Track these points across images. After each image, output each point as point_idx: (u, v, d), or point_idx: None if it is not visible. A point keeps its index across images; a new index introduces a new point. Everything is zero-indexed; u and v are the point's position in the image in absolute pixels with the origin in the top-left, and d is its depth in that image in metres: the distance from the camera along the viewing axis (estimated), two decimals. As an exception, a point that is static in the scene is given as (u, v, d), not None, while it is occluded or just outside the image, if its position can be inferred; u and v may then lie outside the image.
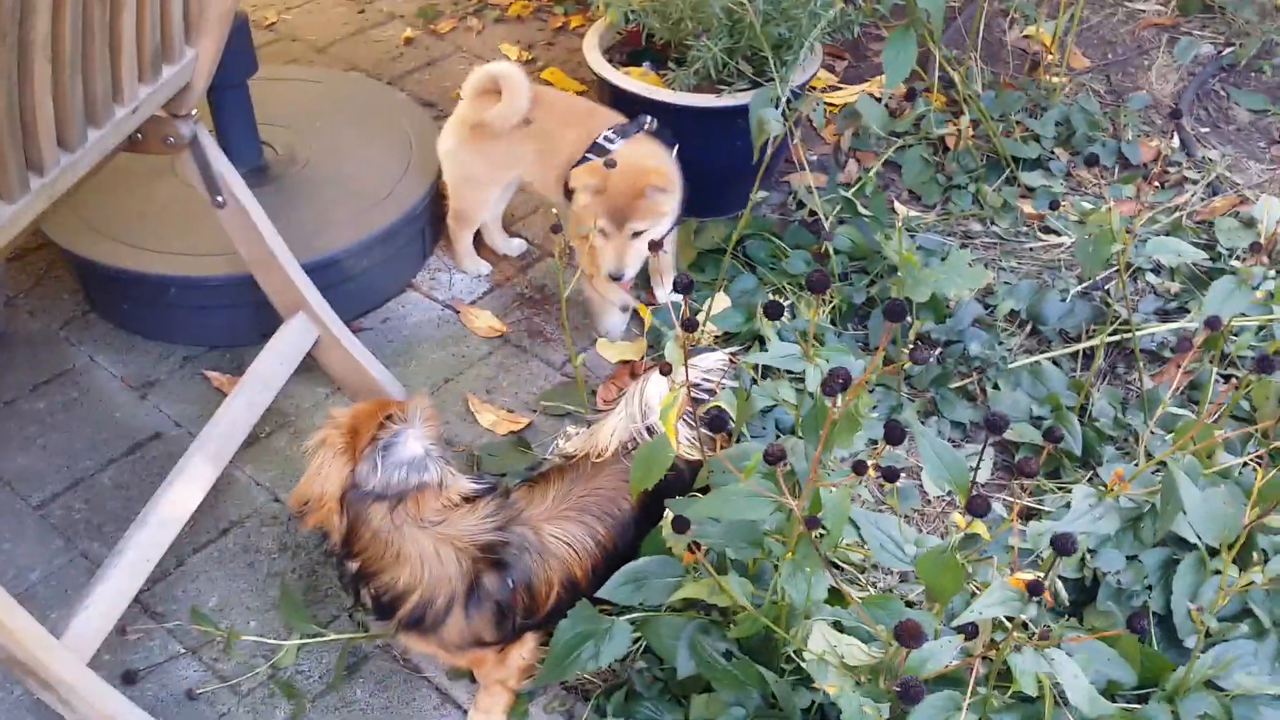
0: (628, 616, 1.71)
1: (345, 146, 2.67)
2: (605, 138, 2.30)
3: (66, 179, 1.59)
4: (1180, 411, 2.11)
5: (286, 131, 2.69)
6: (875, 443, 2.13)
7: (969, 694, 1.39)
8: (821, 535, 1.36)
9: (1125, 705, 1.66)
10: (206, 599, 1.96)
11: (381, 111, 2.80)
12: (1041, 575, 1.16)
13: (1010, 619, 1.32)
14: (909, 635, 1.11)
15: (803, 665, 1.65)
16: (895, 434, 1.18)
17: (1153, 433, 2.13)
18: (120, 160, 1.95)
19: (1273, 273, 2.51)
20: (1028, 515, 2.07)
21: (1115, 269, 2.57)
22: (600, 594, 1.67)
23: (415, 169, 2.61)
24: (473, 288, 2.63)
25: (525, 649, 1.75)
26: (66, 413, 2.28)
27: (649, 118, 2.34)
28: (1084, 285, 2.57)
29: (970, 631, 1.25)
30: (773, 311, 1.31)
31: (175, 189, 2.51)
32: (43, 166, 1.52)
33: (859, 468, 1.26)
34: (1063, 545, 1.11)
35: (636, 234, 2.19)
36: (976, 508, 1.15)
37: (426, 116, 2.80)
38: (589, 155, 2.28)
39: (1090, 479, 2.13)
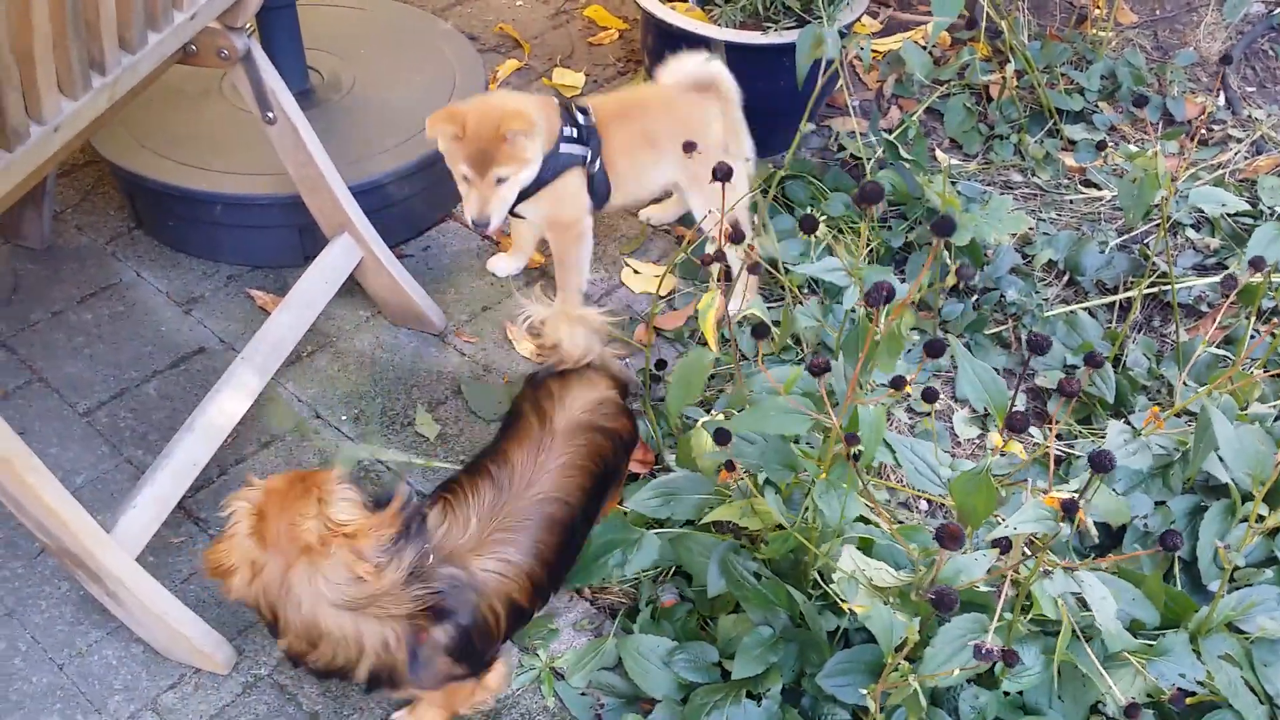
0: (658, 531, 1.75)
1: (389, 74, 2.69)
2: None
3: (126, 81, 1.61)
4: (1220, 352, 2.12)
5: (331, 57, 2.70)
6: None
7: (995, 618, 1.42)
8: (858, 454, 1.38)
9: (1148, 642, 1.69)
10: (247, 507, 2.01)
11: (425, 40, 2.81)
12: (1075, 494, 1.18)
13: (1040, 543, 1.35)
14: (950, 538, 1.13)
15: (829, 591, 1.68)
16: (936, 349, 1.19)
17: (1185, 384, 2.14)
18: (170, 79, 1.98)
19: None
20: (1057, 461, 2.08)
21: (1155, 223, 2.57)
22: (630, 504, 1.69)
23: (459, 98, 2.62)
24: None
25: (497, 673, 1.68)
26: (113, 325, 2.33)
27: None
28: (1123, 237, 2.56)
29: (1004, 546, 1.28)
30: (807, 225, 1.32)
31: (223, 109, 2.53)
32: (104, 65, 1.55)
33: (897, 383, 1.28)
34: (1100, 462, 1.13)
35: (500, 180, 2.05)
36: (1015, 423, 1.17)
37: (470, 47, 2.81)
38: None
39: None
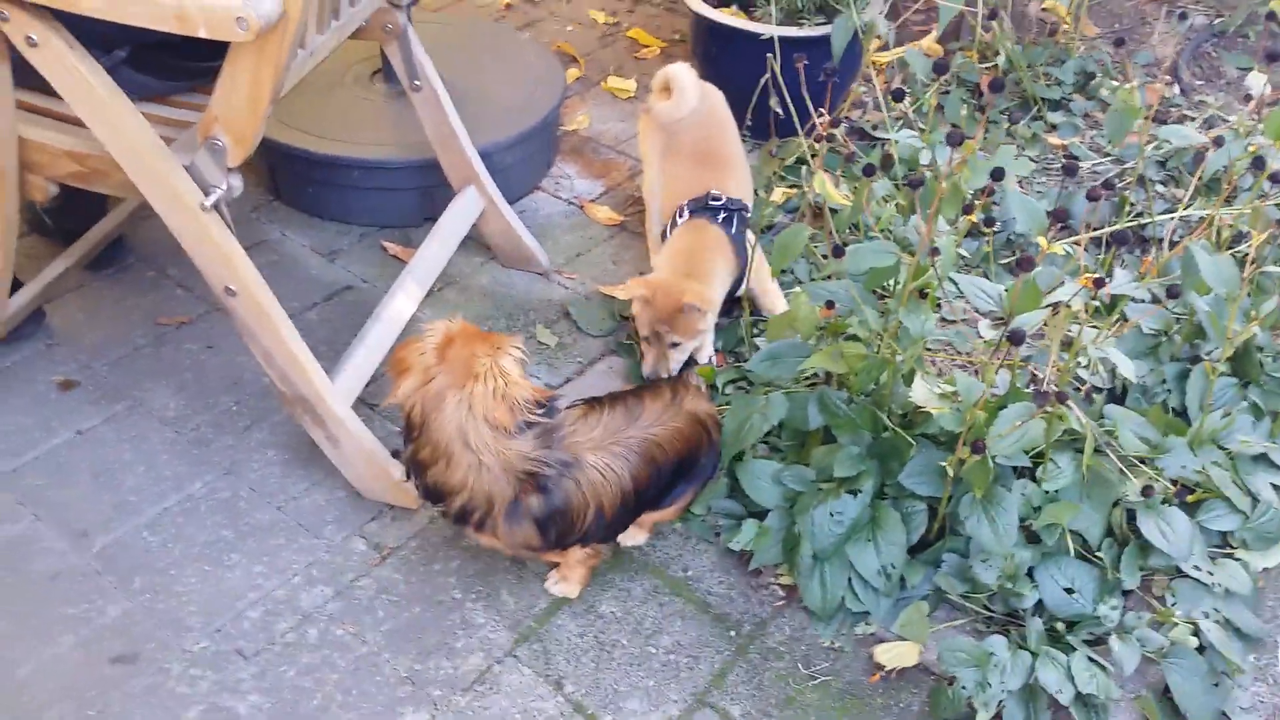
0: (770, 392, 2.19)
1: (482, 70, 3.18)
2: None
3: (344, 30, 2.08)
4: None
5: (432, 58, 3.17)
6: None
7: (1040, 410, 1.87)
8: (929, 291, 1.83)
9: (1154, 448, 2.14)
10: (410, 396, 2.43)
11: (507, 45, 3.31)
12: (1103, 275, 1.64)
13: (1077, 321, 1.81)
14: (1027, 264, 1.58)
15: (897, 432, 2.12)
16: (997, 86, 1.65)
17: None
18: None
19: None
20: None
21: (1131, 179, 3.08)
22: (748, 366, 2.13)
23: (543, 88, 3.11)
24: (591, 189, 3.12)
25: (580, 551, 1.96)
26: (270, 270, 2.72)
27: (737, 207, 2.52)
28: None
29: (1054, 309, 1.73)
30: (897, 96, 1.79)
31: (348, 96, 3.00)
32: (338, 11, 2.01)
33: (967, 208, 1.74)
34: (1123, 236, 1.59)
35: (674, 345, 2.35)
36: (1060, 216, 1.63)
37: (546, 50, 3.31)
38: (689, 207, 2.50)
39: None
